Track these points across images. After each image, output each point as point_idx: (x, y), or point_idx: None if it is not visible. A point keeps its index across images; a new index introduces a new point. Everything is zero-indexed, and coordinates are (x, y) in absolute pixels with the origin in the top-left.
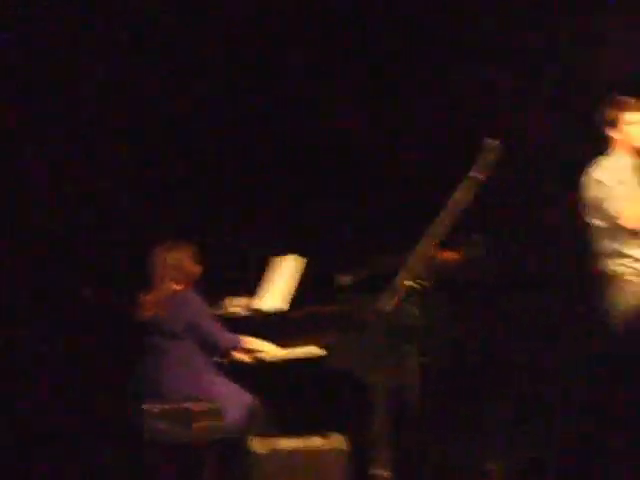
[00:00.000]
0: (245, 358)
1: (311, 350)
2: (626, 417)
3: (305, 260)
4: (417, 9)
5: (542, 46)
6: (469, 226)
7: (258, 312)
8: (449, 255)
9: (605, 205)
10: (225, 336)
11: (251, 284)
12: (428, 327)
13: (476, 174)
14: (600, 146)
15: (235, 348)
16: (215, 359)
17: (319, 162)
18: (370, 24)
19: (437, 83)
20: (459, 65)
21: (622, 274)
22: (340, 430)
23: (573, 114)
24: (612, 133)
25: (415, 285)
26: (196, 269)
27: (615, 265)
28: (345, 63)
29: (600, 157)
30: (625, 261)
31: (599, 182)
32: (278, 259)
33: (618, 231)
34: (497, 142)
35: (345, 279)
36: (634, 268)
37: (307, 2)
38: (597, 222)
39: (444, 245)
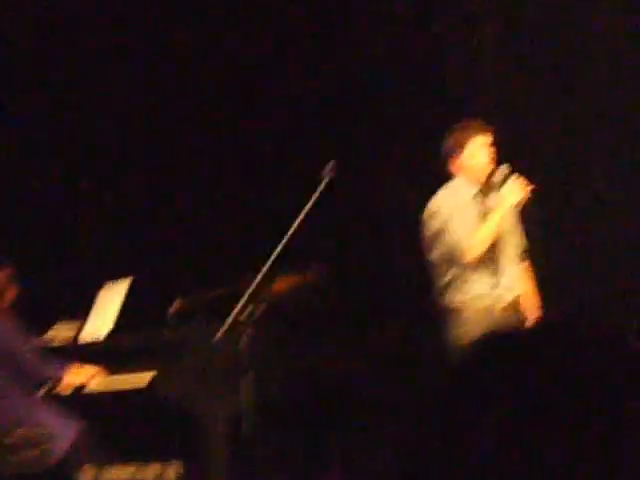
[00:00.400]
0: (68, 387)
1: (140, 377)
2: (457, 452)
3: (132, 285)
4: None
5: None
6: (308, 254)
7: (85, 338)
8: (286, 283)
9: (443, 236)
10: (44, 365)
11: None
12: (262, 356)
13: (315, 200)
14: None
15: (57, 377)
16: (39, 387)
17: (159, 189)
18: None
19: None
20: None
21: (463, 306)
22: (177, 458)
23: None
24: (455, 160)
25: (250, 313)
26: (10, 292)
27: (456, 297)
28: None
29: (442, 187)
30: (466, 293)
31: (438, 212)
32: (109, 284)
33: (457, 262)
34: (333, 163)
35: (177, 306)
36: (475, 300)
37: None
38: (436, 254)
39: (282, 273)
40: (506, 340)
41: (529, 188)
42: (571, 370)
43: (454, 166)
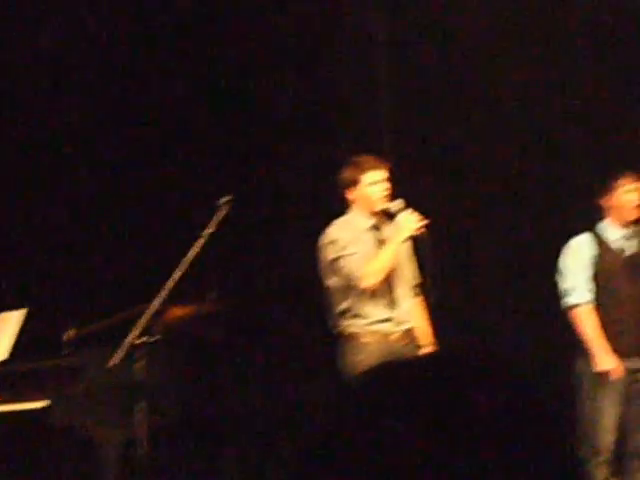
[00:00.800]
0: None
1: (35, 405)
2: None
3: (25, 312)
4: None
5: None
6: (204, 282)
7: None
8: (182, 312)
9: (340, 264)
10: None
11: None
12: (157, 383)
13: (210, 231)
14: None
15: None
16: None
17: (50, 217)
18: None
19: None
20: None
21: (358, 334)
22: None
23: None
24: (351, 193)
25: (145, 341)
26: None
27: (351, 325)
28: None
29: (339, 217)
30: (361, 321)
31: (334, 241)
32: (2, 314)
33: (353, 291)
34: (230, 198)
35: (72, 334)
36: (372, 328)
37: None
38: (333, 282)
39: (177, 301)
40: (401, 370)
41: (422, 222)
42: (463, 402)
43: (350, 198)
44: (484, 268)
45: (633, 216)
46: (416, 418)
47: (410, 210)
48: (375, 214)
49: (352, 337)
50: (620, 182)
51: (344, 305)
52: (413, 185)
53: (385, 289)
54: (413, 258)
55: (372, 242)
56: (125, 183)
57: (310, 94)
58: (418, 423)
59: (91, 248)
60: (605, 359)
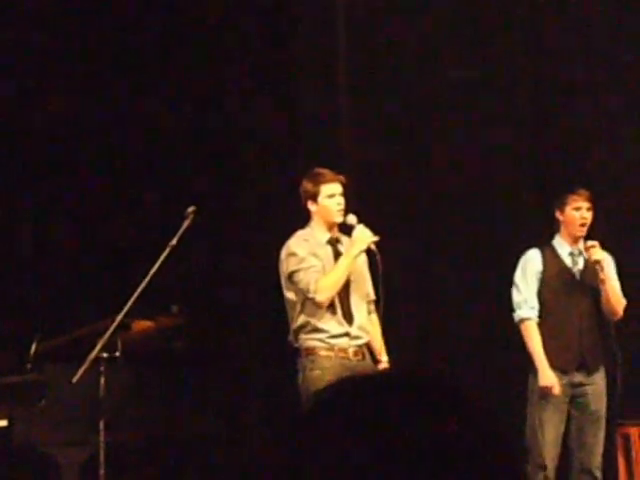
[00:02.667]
0: None
1: None
2: None
3: None
4: None
5: None
6: (167, 296)
7: None
8: (146, 326)
9: (296, 278)
10: None
11: None
12: (116, 400)
13: (174, 241)
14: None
15: None
16: None
17: (14, 230)
18: None
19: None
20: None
21: (315, 349)
22: None
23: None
24: (311, 205)
25: (106, 356)
26: None
27: (308, 340)
28: None
29: (299, 230)
30: (318, 335)
31: (293, 254)
32: None
33: (310, 305)
34: (194, 208)
35: (35, 349)
36: (328, 343)
37: None
38: (290, 295)
39: (139, 315)
40: (358, 387)
41: (373, 238)
42: (417, 421)
43: (311, 210)
44: (442, 284)
45: (579, 233)
46: (370, 437)
47: (362, 225)
48: (334, 227)
49: (309, 351)
50: (570, 198)
51: (301, 319)
52: (369, 199)
53: (341, 304)
54: (367, 274)
55: (330, 255)
56: (89, 195)
57: (272, 110)
58: (371, 442)
59: (53, 261)
60: (546, 375)
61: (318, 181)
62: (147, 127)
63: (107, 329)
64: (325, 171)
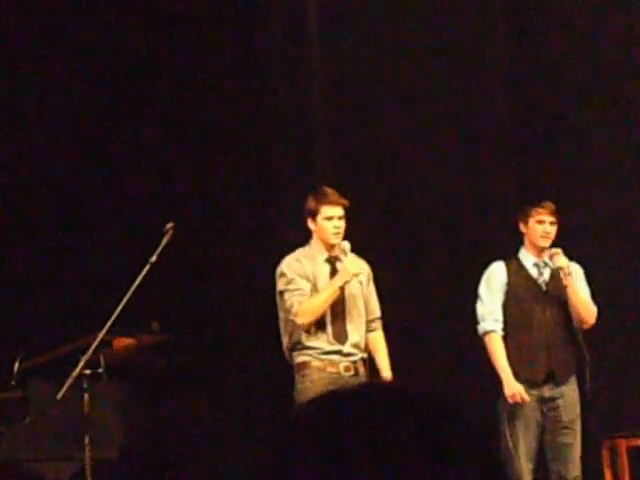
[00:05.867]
0: None
1: None
2: None
3: None
4: None
5: None
6: (149, 313)
7: None
8: (128, 343)
9: (283, 298)
10: None
11: None
12: (100, 416)
13: (154, 259)
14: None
15: None
16: None
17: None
18: None
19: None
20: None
21: (306, 363)
22: None
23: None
24: (311, 224)
25: (88, 373)
26: None
27: (300, 355)
28: None
29: (298, 248)
30: (310, 352)
31: (283, 274)
32: None
33: (298, 324)
34: (172, 224)
35: (20, 366)
36: (319, 358)
37: None
38: (282, 313)
39: (121, 332)
40: (347, 400)
41: (356, 273)
42: (399, 434)
43: (311, 228)
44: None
45: (542, 244)
46: (355, 447)
47: (353, 256)
48: (332, 247)
49: (300, 366)
50: (534, 211)
51: (293, 337)
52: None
53: (333, 323)
54: (372, 292)
55: (328, 274)
56: (69, 209)
57: (249, 115)
58: (356, 453)
59: (36, 278)
60: (511, 384)
61: (320, 201)
62: (128, 135)
63: (89, 346)
64: (330, 191)
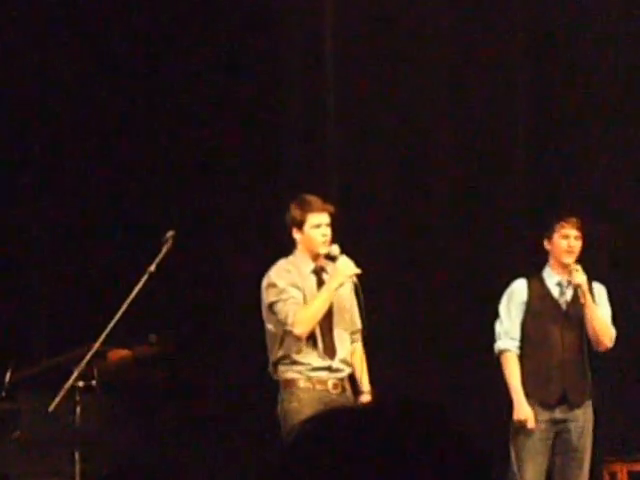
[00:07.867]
0: None
1: None
2: None
3: None
4: None
5: None
6: (145, 325)
7: None
8: (120, 354)
9: (276, 309)
10: None
11: None
12: (93, 430)
13: (153, 267)
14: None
15: None
16: None
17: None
18: None
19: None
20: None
21: (294, 381)
22: None
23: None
24: (297, 234)
25: (82, 385)
26: None
27: (287, 372)
28: None
29: (281, 259)
30: (298, 368)
31: (273, 285)
32: None
33: (289, 337)
34: (172, 233)
35: (10, 377)
36: (307, 375)
37: None
38: (270, 327)
39: (116, 344)
40: (337, 421)
41: (355, 271)
42: (396, 455)
43: (296, 238)
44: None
45: (567, 260)
46: (350, 469)
47: (345, 257)
48: (319, 256)
49: (288, 383)
50: (558, 225)
51: (281, 351)
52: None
53: (322, 337)
54: (355, 305)
55: (314, 285)
56: (66, 219)
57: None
58: (352, 474)
59: (29, 288)
60: (522, 409)
61: (305, 210)
62: (131, 145)
63: (83, 357)
64: (313, 199)
